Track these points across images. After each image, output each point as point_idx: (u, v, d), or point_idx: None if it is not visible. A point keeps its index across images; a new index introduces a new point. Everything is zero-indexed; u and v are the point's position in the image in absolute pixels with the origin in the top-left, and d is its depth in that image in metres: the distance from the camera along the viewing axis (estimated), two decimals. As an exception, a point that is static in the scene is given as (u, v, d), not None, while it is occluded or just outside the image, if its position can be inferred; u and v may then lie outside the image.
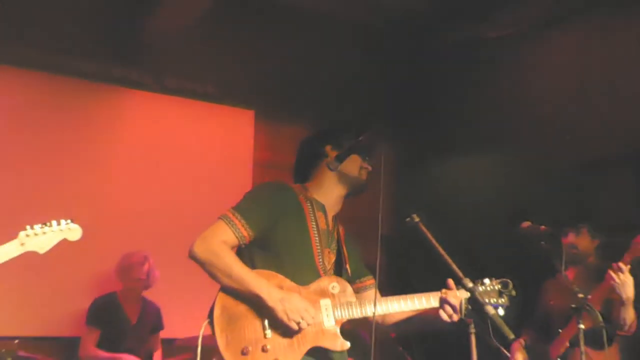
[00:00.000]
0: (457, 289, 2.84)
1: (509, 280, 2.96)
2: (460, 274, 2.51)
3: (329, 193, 3.13)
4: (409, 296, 2.96)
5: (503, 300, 2.96)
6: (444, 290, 2.88)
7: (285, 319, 2.74)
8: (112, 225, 5.72)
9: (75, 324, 5.40)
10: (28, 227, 3.12)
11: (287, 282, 2.87)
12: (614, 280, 3.74)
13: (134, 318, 5.24)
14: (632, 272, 3.75)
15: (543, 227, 3.79)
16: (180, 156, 6.17)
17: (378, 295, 2.97)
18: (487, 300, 2.89)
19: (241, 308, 2.80)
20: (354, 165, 3.09)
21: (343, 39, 6.51)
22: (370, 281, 3.24)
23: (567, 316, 3.96)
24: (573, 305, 3.54)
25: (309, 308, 2.80)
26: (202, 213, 5.90)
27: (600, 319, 3.50)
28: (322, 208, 3.12)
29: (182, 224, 5.76)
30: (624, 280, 3.73)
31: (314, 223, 3.04)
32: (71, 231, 3.23)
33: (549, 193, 5.18)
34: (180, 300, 5.55)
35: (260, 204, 2.97)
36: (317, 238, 3.02)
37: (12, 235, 3.14)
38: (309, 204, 3.08)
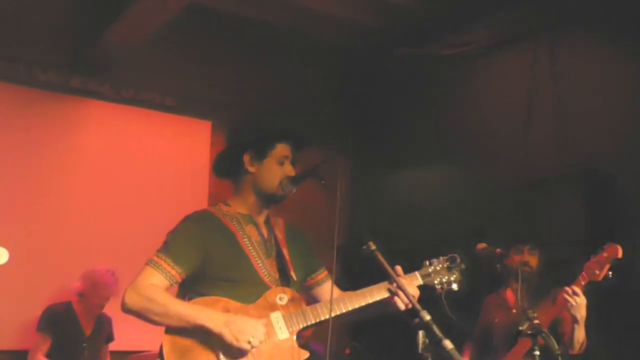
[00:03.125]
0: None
1: (455, 255, 3.02)
2: (418, 306, 2.52)
3: (251, 204, 3.07)
4: (360, 292, 2.95)
5: (454, 276, 3.02)
6: (391, 280, 2.85)
7: (235, 341, 2.70)
8: (67, 235, 5.74)
9: (24, 335, 5.37)
10: None
11: (232, 304, 2.83)
12: (570, 302, 3.74)
13: (88, 329, 5.22)
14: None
15: (498, 250, 3.88)
16: (138, 166, 6.20)
17: (336, 294, 2.96)
18: (439, 279, 2.97)
19: (190, 341, 2.76)
20: (272, 177, 3.03)
21: (302, 53, 6.69)
22: (323, 274, 3.21)
23: (511, 335, 3.97)
24: (524, 329, 3.56)
25: (257, 325, 2.76)
26: (158, 223, 5.97)
27: (557, 346, 3.48)
28: (250, 219, 3.07)
29: (137, 234, 5.82)
30: (580, 303, 3.74)
31: (246, 239, 2.99)
32: None
33: (498, 209, 5.28)
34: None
35: (185, 240, 2.91)
36: (254, 252, 2.98)
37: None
38: (235, 222, 3.02)
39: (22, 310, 5.39)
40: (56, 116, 5.89)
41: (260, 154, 3.05)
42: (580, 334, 3.87)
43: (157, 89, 6.27)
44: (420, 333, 2.78)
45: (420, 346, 2.78)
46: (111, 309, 5.32)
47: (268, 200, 3.08)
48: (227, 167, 3.14)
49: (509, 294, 4.31)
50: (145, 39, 5.62)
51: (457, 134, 6.12)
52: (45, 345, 5.02)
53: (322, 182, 2.94)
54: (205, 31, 6.24)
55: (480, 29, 5.80)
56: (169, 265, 2.82)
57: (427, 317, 2.45)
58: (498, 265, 3.82)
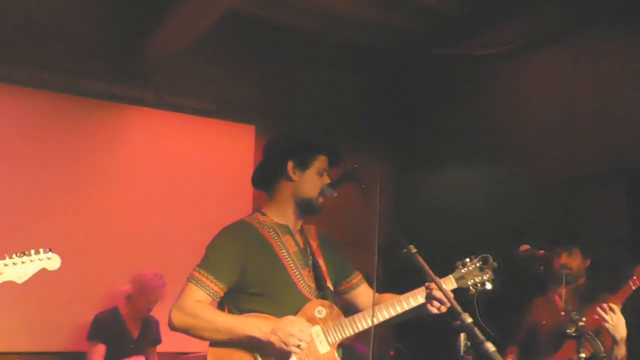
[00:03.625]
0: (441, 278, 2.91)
1: (487, 255, 3.05)
2: (459, 308, 2.52)
3: (289, 213, 3.10)
4: (397, 299, 3.00)
5: (487, 275, 3.04)
6: (427, 284, 2.91)
7: (284, 347, 2.75)
8: (114, 239, 5.85)
9: (74, 338, 5.50)
10: (7, 256, 3.08)
11: (272, 319, 2.86)
12: (605, 321, 3.65)
13: (135, 332, 5.32)
14: (623, 312, 3.68)
15: (542, 251, 3.83)
16: (182, 171, 6.27)
17: (370, 301, 2.98)
18: (472, 280, 3.01)
19: (236, 355, 2.83)
20: (313, 187, 3.08)
21: (338, 57, 6.74)
22: (357, 278, 3.24)
23: (558, 339, 3.97)
24: (570, 332, 3.50)
25: (304, 326, 2.81)
26: (203, 228, 6.10)
27: (602, 349, 3.46)
28: (287, 230, 3.10)
29: (183, 239, 5.92)
30: (616, 322, 3.65)
31: (283, 250, 3.03)
32: (50, 260, 3.20)
33: (539, 210, 5.27)
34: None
35: (225, 254, 2.97)
36: (291, 264, 3.01)
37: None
38: (272, 233, 3.05)
39: (74, 313, 5.52)
40: (100, 123, 6.01)
41: (304, 164, 3.10)
42: (620, 352, 3.76)
43: (198, 95, 6.36)
44: (462, 336, 2.79)
45: (462, 349, 2.79)
46: (159, 312, 5.41)
47: (307, 209, 3.12)
48: (266, 177, 3.20)
49: (557, 296, 4.28)
50: (186, 46, 5.72)
51: (496, 134, 6.11)
52: (101, 350, 5.11)
53: (362, 186, 2.96)
54: (244, 37, 6.31)
55: (519, 27, 5.79)
56: (210, 281, 2.90)
57: (469, 320, 2.47)
58: (541, 267, 3.80)
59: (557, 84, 5.69)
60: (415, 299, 2.98)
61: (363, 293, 3.22)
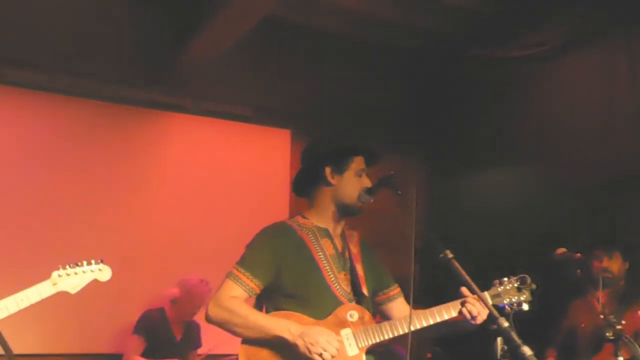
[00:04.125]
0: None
1: (526, 276, 3.04)
2: (496, 313, 2.54)
3: (329, 217, 3.18)
4: (430, 310, 3.02)
5: (524, 296, 3.04)
6: (464, 299, 2.94)
7: (307, 353, 2.82)
8: (155, 244, 5.97)
9: (119, 340, 5.62)
10: (61, 267, 3.21)
11: (305, 319, 2.96)
12: None
13: (179, 335, 5.43)
14: None
15: (578, 254, 3.84)
16: (220, 175, 6.38)
17: (406, 312, 3.02)
18: (508, 299, 3.00)
19: (265, 353, 2.93)
20: (352, 189, 3.14)
21: (374, 61, 6.78)
22: (395, 291, 3.28)
23: (597, 341, 3.96)
24: (609, 335, 3.50)
25: (331, 339, 2.86)
26: (242, 231, 6.19)
27: None
28: (326, 233, 3.18)
29: (220, 242, 6.01)
30: None
31: (320, 253, 3.10)
32: (101, 272, 3.34)
33: (577, 214, 5.23)
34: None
35: (262, 252, 3.08)
36: (327, 267, 3.09)
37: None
38: (311, 235, 3.14)
39: (118, 316, 5.64)
40: (141, 130, 6.14)
41: (341, 167, 3.17)
42: None
43: (235, 100, 6.46)
44: (499, 340, 2.82)
45: (499, 352, 2.82)
46: (200, 315, 5.51)
47: (347, 211, 3.19)
48: (306, 184, 3.27)
49: (595, 300, 4.26)
50: (223, 53, 5.79)
51: (533, 136, 6.08)
52: (141, 347, 5.21)
53: (398, 192, 3.01)
54: (279, 42, 6.40)
55: (554, 29, 5.76)
56: (247, 278, 3.00)
57: (505, 324, 2.50)
58: (578, 271, 3.79)
59: (593, 86, 5.66)
60: (449, 311, 3.01)
61: (398, 306, 3.27)
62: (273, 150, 6.65)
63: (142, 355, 5.23)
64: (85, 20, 5.83)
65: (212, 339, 5.56)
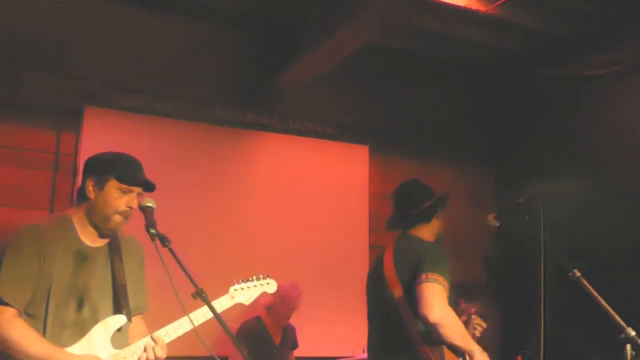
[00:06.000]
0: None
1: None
2: (623, 323, 2.80)
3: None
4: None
5: None
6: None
7: None
8: (249, 255, 6.33)
9: (222, 344, 6.02)
10: (235, 282, 3.59)
11: None
12: None
13: (277, 339, 5.82)
14: None
15: None
16: (305, 190, 6.77)
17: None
18: None
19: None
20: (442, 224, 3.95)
21: (448, 78, 7.29)
22: None
23: None
24: None
25: None
26: (324, 240, 6.67)
27: None
28: None
29: (309, 252, 6.53)
30: None
31: None
32: (269, 285, 3.74)
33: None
34: (309, 321, 6.18)
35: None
36: None
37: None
38: None
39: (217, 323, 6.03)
40: (234, 149, 6.54)
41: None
42: None
43: (320, 119, 6.89)
44: (628, 346, 3.12)
45: (629, 358, 3.12)
46: (294, 319, 5.98)
47: None
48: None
49: None
50: (314, 79, 6.20)
51: (604, 153, 6.30)
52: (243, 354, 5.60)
53: (526, 217, 3.37)
54: (362, 64, 6.77)
55: (627, 49, 6.02)
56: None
57: (633, 333, 2.85)
58: None
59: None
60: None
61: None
62: (353, 164, 7.04)
63: None
64: (187, 48, 6.30)
65: (309, 340, 6.07)
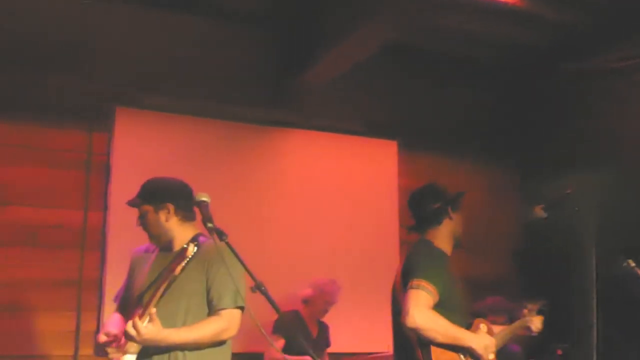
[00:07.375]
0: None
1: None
2: None
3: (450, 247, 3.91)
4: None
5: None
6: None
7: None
8: (279, 250, 6.38)
9: (256, 339, 6.04)
10: None
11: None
12: None
13: (314, 332, 5.84)
14: None
15: None
16: (333, 186, 6.78)
17: None
18: None
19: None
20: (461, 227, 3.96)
21: (470, 75, 7.32)
22: None
23: None
24: None
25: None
26: (354, 236, 6.62)
27: None
28: (448, 259, 3.92)
29: (339, 248, 6.55)
30: None
31: None
32: None
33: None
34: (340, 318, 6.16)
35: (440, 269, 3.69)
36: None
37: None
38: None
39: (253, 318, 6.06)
40: (263, 146, 6.57)
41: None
42: None
43: (348, 116, 6.88)
44: None
45: None
46: (327, 316, 5.97)
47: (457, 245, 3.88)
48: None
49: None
50: (340, 74, 6.23)
51: (629, 148, 6.29)
52: (280, 343, 5.52)
53: (576, 208, 3.38)
54: (388, 61, 6.79)
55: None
56: (433, 289, 3.54)
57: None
58: None
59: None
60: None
61: None
62: (382, 160, 7.05)
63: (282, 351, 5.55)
64: (212, 47, 6.35)
65: (342, 337, 6.08)
